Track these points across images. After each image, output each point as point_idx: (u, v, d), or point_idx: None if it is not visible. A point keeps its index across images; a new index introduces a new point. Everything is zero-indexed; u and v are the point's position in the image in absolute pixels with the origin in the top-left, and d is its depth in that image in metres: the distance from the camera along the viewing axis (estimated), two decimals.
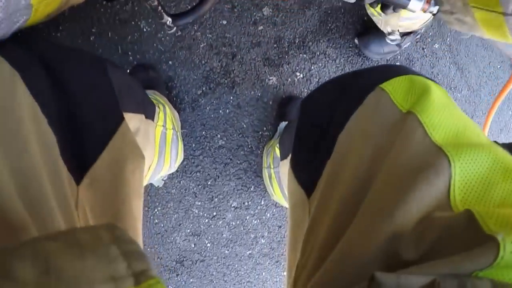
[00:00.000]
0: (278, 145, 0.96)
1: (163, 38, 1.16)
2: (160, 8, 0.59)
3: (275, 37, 1.19)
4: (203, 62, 1.16)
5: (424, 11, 0.64)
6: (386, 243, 0.30)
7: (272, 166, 1.01)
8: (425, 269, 0.26)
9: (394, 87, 0.40)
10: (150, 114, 0.77)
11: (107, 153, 0.49)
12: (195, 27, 1.17)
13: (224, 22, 1.18)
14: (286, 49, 1.19)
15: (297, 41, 1.20)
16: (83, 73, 0.50)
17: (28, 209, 0.35)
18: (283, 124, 1.10)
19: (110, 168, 0.48)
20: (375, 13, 1.04)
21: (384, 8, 0.75)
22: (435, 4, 0.62)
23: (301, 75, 1.19)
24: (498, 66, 1.45)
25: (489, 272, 0.24)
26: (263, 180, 1.14)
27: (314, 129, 0.50)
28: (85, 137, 0.47)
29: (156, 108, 0.85)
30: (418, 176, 0.31)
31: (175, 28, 0.64)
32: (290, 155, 0.56)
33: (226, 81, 1.16)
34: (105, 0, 0.66)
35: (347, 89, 0.47)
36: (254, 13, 1.19)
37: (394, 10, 0.73)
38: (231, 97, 1.15)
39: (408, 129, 0.34)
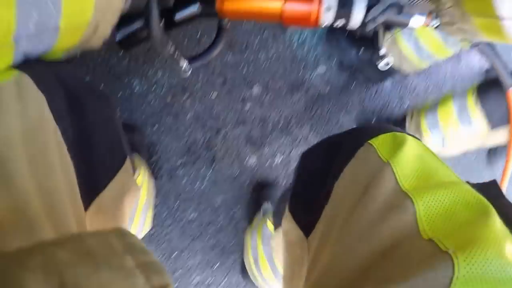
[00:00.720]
0: (270, 218, 0.96)
1: (152, 101, 1.14)
2: (177, 53, 0.65)
3: (261, 117, 1.20)
4: (187, 132, 1.15)
5: (427, 26, 0.68)
6: (364, 261, 0.35)
7: (261, 246, 1.01)
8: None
9: (380, 142, 0.46)
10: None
11: (114, 185, 0.51)
12: (185, 96, 1.16)
13: (214, 95, 1.17)
14: (270, 130, 1.21)
15: (281, 124, 1.22)
16: (101, 106, 0.51)
17: (54, 229, 0.35)
18: (267, 204, 1.11)
19: (113, 200, 0.51)
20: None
21: (387, 28, 0.77)
22: (436, 17, 0.65)
23: (281, 159, 1.21)
24: (473, 158, 1.51)
25: None
26: (229, 261, 1.15)
27: (313, 177, 0.56)
28: (96, 167, 0.48)
29: (137, 170, 0.84)
30: (389, 213, 0.37)
31: (190, 71, 0.71)
32: (287, 208, 0.60)
33: (207, 155, 1.15)
34: (122, 48, 0.73)
35: (342, 144, 0.52)
36: (244, 90, 1.19)
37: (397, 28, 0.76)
38: (209, 172, 1.15)
39: (383, 178, 0.40)
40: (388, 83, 1.33)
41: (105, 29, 0.50)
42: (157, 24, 0.61)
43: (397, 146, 0.44)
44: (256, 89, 1.21)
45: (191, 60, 0.70)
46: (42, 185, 0.36)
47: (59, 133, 0.41)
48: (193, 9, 0.70)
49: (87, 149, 0.47)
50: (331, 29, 1.25)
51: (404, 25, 0.70)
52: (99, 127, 0.50)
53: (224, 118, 1.18)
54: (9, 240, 0.32)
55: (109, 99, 0.55)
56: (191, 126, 1.15)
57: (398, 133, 0.47)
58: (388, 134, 0.47)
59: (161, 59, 1.16)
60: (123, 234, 0.29)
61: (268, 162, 1.20)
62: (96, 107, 0.50)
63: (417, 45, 1.03)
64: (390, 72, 1.24)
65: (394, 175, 0.40)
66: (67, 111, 0.44)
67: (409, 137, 0.46)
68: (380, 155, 0.44)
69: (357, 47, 1.21)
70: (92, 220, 0.46)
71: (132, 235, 0.29)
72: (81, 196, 0.44)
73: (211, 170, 1.15)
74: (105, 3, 0.46)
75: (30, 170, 0.35)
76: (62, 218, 0.37)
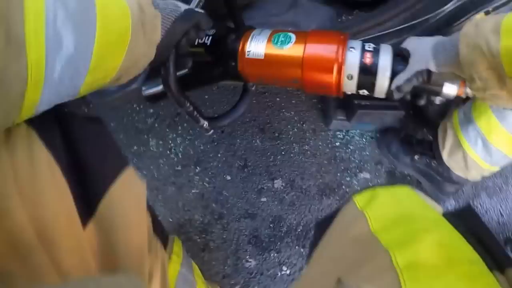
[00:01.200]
0: None
1: (161, 165, 1.07)
2: (195, 112, 0.65)
3: (275, 216, 1.00)
4: (186, 208, 1.01)
5: (461, 95, 0.62)
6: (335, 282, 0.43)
7: None
8: None
9: (360, 196, 0.54)
10: (163, 236, 0.69)
11: (113, 195, 0.51)
12: (197, 169, 1.05)
13: (228, 177, 1.04)
14: (282, 234, 0.99)
15: (299, 230, 0.99)
16: (89, 123, 0.53)
17: (47, 253, 0.40)
18: None
19: (112, 214, 0.51)
20: None
21: (417, 98, 0.67)
22: (468, 82, 0.59)
23: (288, 271, 0.95)
24: None
25: None
26: None
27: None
28: (90, 182, 0.50)
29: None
30: (362, 251, 0.47)
31: (212, 130, 0.70)
32: None
33: (199, 240, 0.98)
34: (148, 101, 0.76)
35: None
36: (264, 181, 1.03)
37: (428, 99, 0.67)
38: (195, 260, 0.96)
39: (356, 221, 0.50)
40: (450, 202, 1.03)
41: (125, 80, 0.53)
42: (173, 82, 0.61)
43: (373, 198, 0.52)
44: (278, 183, 1.03)
45: (211, 120, 0.69)
46: (33, 214, 0.40)
47: (53, 160, 0.44)
48: (217, 71, 0.73)
49: (79, 169, 0.49)
50: (383, 131, 1.06)
51: (435, 93, 0.63)
52: (86, 143, 0.52)
53: (231, 206, 1.01)
54: (7, 266, 0.39)
55: (100, 119, 0.56)
56: (192, 203, 1.01)
57: (378, 188, 0.55)
58: (370, 189, 0.55)
59: (185, 127, 1.10)
60: (130, 278, 0.37)
61: (270, 272, 0.96)
62: (83, 125, 0.52)
63: (485, 146, 0.84)
64: (454, 187, 0.97)
65: (367, 219, 0.48)
66: (60, 140, 0.47)
67: (383, 190, 0.54)
68: (358, 205, 0.52)
69: (413, 153, 0.99)
70: (92, 236, 0.48)
71: (139, 280, 0.38)
72: (79, 212, 0.46)
73: (198, 259, 0.96)
74: (131, 64, 0.50)
75: (22, 203, 0.40)
76: (55, 240, 0.41)
